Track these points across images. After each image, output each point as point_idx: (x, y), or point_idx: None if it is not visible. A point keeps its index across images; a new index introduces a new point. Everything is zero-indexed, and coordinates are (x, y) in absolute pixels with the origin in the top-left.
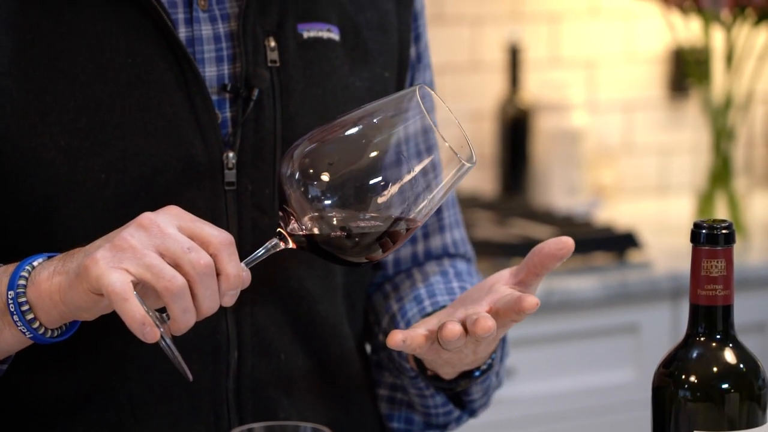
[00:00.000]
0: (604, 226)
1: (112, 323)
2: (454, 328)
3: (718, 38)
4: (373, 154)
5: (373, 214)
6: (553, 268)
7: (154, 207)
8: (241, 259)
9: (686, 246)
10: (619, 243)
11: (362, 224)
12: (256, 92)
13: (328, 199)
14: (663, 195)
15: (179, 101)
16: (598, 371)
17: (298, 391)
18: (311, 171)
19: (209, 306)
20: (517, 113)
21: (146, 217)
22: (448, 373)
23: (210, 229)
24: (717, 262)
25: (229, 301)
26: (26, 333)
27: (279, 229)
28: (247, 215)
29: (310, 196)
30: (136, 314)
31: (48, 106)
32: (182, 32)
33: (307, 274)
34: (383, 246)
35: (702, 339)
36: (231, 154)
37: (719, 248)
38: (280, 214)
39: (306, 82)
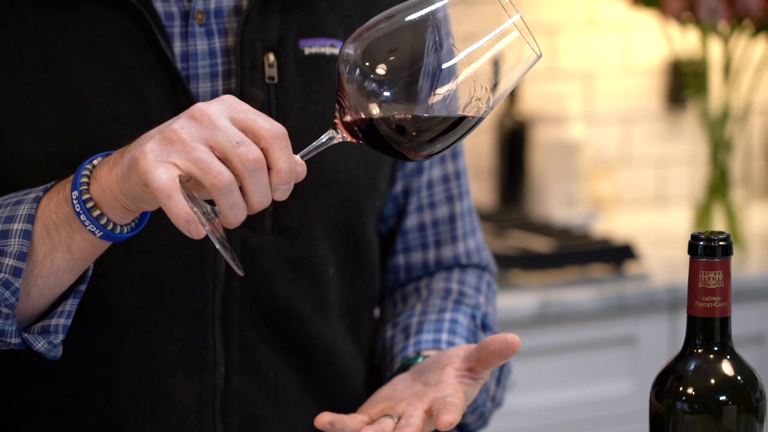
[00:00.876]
0: (602, 237)
1: (96, 339)
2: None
3: (715, 50)
4: (431, 44)
5: (432, 106)
6: (498, 365)
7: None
8: (297, 151)
9: (684, 258)
10: (616, 255)
11: (421, 116)
12: None
13: (386, 90)
14: (661, 207)
15: (167, 116)
16: (596, 383)
17: (288, 410)
18: (366, 65)
19: (260, 201)
20: (514, 125)
21: (198, 108)
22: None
23: (263, 121)
24: (714, 273)
25: (281, 195)
26: (96, 232)
27: (335, 121)
28: (236, 232)
29: (366, 89)
30: (180, 211)
31: (38, 109)
32: (177, 46)
33: (296, 294)
34: (442, 140)
35: (699, 351)
36: None
37: (717, 260)
38: (337, 107)
39: (304, 100)
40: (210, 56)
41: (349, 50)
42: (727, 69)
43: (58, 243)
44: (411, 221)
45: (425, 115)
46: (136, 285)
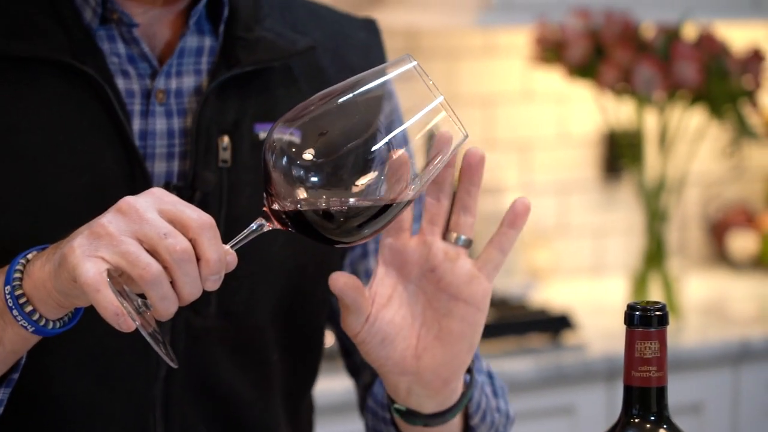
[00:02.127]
0: (539, 307)
1: (38, 417)
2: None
3: (651, 120)
4: (358, 129)
5: (358, 193)
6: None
7: None
8: (226, 241)
9: (621, 327)
10: (553, 325)
11: (348, 203)
12: (198, 195)
13: (311, 177)
14: (598, 276)
15: (123, 195)
16: None
17: None
18: (293, 151)
19: (190, 292)
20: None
21: (126, 201)
22: (428, 406)
23: (191, 212)
24: (650, 343)
25: (212, 285)
26: (28, 327)
27: (264, 209)
28: (181, 314)
29: (292, 176)
30: (108, 305)
31: None
32: (136, 124)
33: (239, 378)
34: (370, 225)
35: (636, 420)
36: None
37: (653, 330)
38: (265, 195)
39: (256, 184)
40: (168, 136)
41: (274, 137)
42: (662, 139)
43: None
44: None
45: (352, 201)
46: (81, 363)
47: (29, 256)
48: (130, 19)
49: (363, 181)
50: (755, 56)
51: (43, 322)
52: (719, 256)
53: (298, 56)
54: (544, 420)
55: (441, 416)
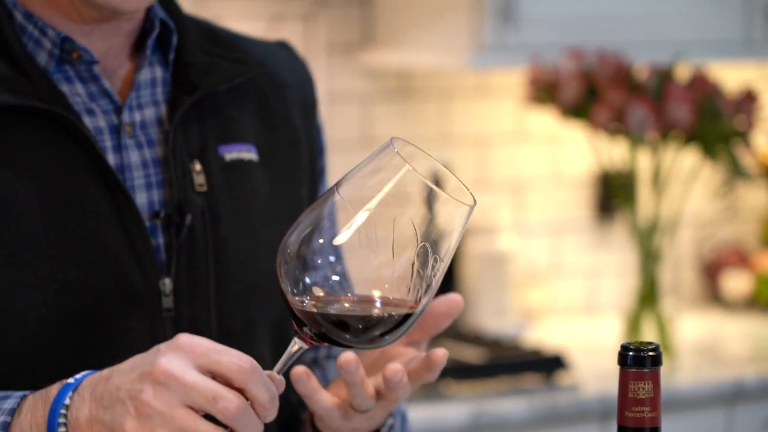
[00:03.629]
0: (533, 348)
1: None
2: (396, 367)
3: (644, 160)
4: (365, 235)
5: (377, 303)
6: (444, 327)
7: (97, 337)
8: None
9: (614, 367)
10: (547, 365)
11: (370, 313)
12: (189, 218)
13: (325, 290)
14: (591, 316)
15: (114, 230)
16: None
17: None
18: (300, 265)
19: None
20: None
21: (160, 370)
22: None
23: (229, 361)
24: (644, 384)
25: (272, 417)
26: None
27: (295, 329)
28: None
29: (305, 291)
30: None
31: None
32: (111, 160)
33: None
34: (396, 330)
35: None
36: (167, 281)
37: (646, 370)
38: (291, 315)
39: (232, 206)
40: (143, 167)
41: (279, 259)
42: (655, 179)
43: None
44: None
45: (372, 310)
46: None
47: (67, 400)
48: (90, 56)
49: (378, 294)
50: (748, 97)
51: None
52: (713, 296)
53: (249, 75)
54: None
55: None
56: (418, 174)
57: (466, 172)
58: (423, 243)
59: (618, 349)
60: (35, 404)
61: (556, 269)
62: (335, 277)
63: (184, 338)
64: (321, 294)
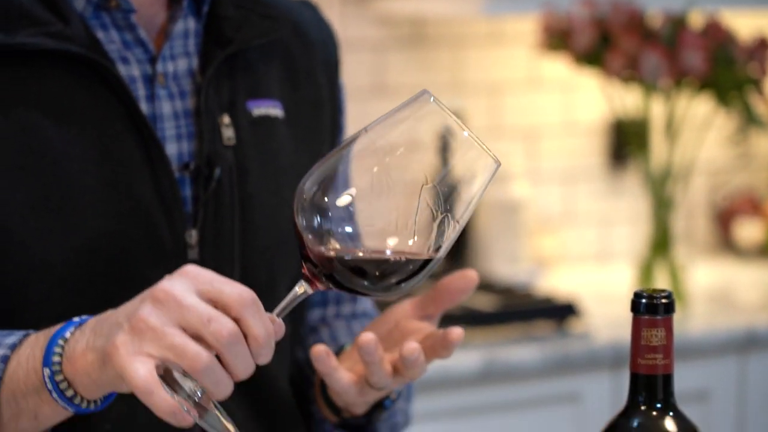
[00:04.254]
0: (545, 295)
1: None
2: (413, 346)
3: (657, 108)
4: (385, 182)
5: (394, 247)
6: (459, 302)
7: (123, 288)
8: (269, 309)
9: (627, 315)
10: (559, 312)
11: (384, 258)
12: (217, 171)
13: (345, 229)
14: (603, 264)
15: (145, 179)
16: None
17: None
18: (325, 201)
19: (243, 370)
20: None
21: (161, 289)
22: (360, 406)
23: (229, 289)
24: (657, 331)
25: (264, 359)
26: (68, 408)
27: (303, 271)
28: None
29: (324, 231)
30: (163, 405)
31: (17, 181)
32: (144, 109)
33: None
34: (411, 278)
35: (642, 408)
36: (194, 233)
37: (659, 317)
38: (301, 256)
39: (259, 161)
40: (174, 118)
41: (303, 194)
42: (669, 127)
43: (24, 409)
44: None
45: (388, 254)
46: None
47: (67, 334)
48: (129, 4)
49: (394, 242)
50: (761, 45)
51: (83, 404)
52: (725, 243)
53: (280, 33)
54: (549, 408)
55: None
56: (446, 120)
57: (478, 119)
58: (442, 194)
59: (630, 296)
60: (37, 339)
61: (568, 217)
62: (351, 226)
63: (191, 267)
64: (338, 239)
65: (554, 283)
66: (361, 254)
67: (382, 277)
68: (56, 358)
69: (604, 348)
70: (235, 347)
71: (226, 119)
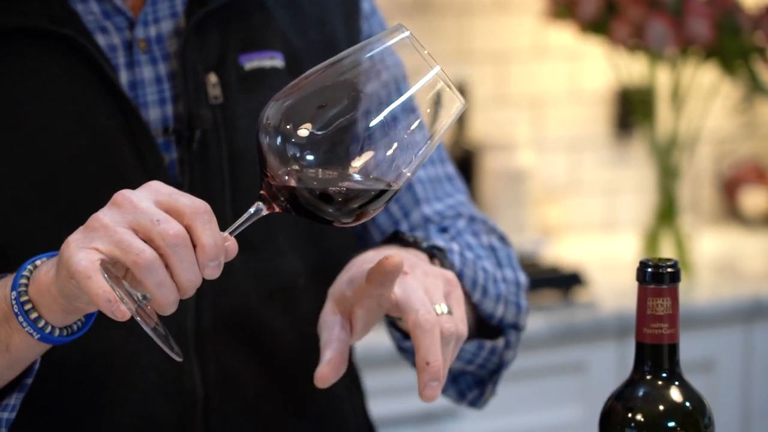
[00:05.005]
0: (551, 264)
1: (75, 372)
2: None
3: (663, 77)
4: (351, 105)
5: (357, 172)
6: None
7: None
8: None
9: (632, 284)
10: (565, 282)
11: (346, 183)
12: (198, 133)
13: (306, 156)
14: (609, 233)
15: (125, 147)
16: (545, 410)
17: (271, 426)
18: (287, 128)
19: (188, 278)
20: (463, 153)
21: (121, 194)
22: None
23: (185, 199)
24: (662, 300)
25: (211, 272)
26: (34, 334)
27: (261, 192)
28: None
29: (288, 154)
30: (99, 291)
31: None
32: (124, 77)
33: (267, 310)
34: (371, 204)
35: (648, 377)
36: None
37: (665, 287)
38: (261, 177)
39: (250, 116)
40: (157, 83)
41: (267, 116)
42: (674, 96)
43: None
44: None
45: (350, 182)
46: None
47: (38, 262)
48: None
49: (359, 163)
50: (767, 13)
51: (49, 330)
52: (731, 212)
53: None
54: (555, 377)
55: None
56: (418, 57)
57: (484, 88)
58: (405, 123)
59: (636, 265)
60: (13, 274)
61: (574, 186)
62: (313, 152)
63: (155, 182)
64: (300, 163)
65: (560, 253)
66: (322, 177)
67: (344, 202)
68: (23, 281)
69: (609, 317)
70: (181, 250)
71: (213, 78)
